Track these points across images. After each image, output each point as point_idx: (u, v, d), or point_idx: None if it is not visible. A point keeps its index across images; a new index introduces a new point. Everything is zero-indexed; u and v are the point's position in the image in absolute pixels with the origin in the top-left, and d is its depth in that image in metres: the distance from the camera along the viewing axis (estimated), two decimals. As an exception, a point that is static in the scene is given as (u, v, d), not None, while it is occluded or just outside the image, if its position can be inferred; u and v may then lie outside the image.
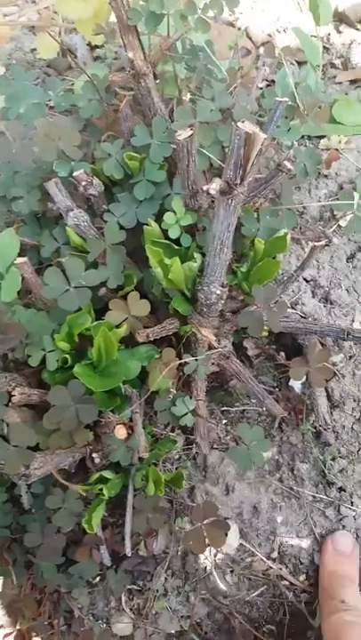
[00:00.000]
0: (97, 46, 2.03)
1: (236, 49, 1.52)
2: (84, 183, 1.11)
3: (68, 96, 1.40)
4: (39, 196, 1.21)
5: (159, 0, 1.01)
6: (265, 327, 1.10)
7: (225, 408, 1.26)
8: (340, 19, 2.05)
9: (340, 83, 1.87)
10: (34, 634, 1.12)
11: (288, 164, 1.05)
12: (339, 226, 1.34)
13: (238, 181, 0.87)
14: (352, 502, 1.14)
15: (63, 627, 1.15)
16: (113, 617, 1.15)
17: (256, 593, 1.13)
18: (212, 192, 0.87)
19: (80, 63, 2.06)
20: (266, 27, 2.08)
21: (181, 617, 1.14)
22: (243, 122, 0.83)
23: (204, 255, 1.07)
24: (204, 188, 0.88)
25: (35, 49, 2.12)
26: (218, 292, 1.06)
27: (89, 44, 2.05)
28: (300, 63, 1.86)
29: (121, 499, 1.15)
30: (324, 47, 1.99)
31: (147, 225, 1.10)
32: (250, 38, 2.05)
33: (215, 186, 0.87)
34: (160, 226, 1.09)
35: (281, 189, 1.18)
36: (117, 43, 1.99)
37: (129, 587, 1.15)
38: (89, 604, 1.15)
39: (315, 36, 1.90)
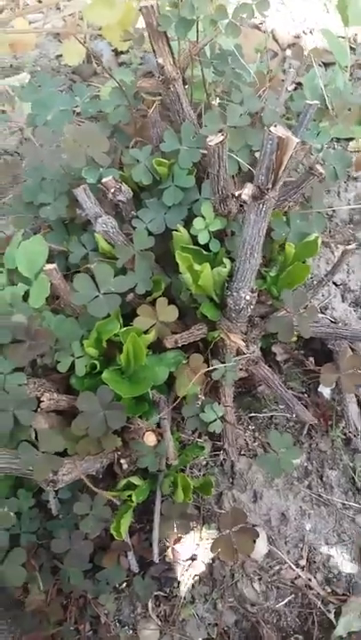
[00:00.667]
0: (122, 52, 2.04)
1: (263, 52, 1.51)
2: (112, 190, 1.12)
3: (95, 102, 1.41)
4: (67, 203, 1.21)
5: (190, 5, 1.00)
6: (294, 332, 1.09)
7: (253, 414, 1.25)
8: (368, 19, 2.02)
9: (369, 84, 1.85)
10: None
11: (320, 168, 1.04)
12: (369, 230, 1.32)
13: (270, 186, 0.86)
14: (383, 511, 1.12)
15: (89, 632, 1.15)
16: (139, 623, 1.14)
17: (284, 602, 1.11)
18: (245, 197, 0.86)
19: (106, 69, 2.08)
20: (292, 29, 2.06)
21: (208, 624, 1.13)
22: (275, 126, 0.82)
23: (232, 260, 1.06)
24: (236, 193, 0.87)
25: (60, 55, 2.14)
26: (247, 297, 1.05)
27: (114, 50, 2.07)
28: (326, 64, 1.84)
29: (148, 505, 1.16)
30: (351, 48, 1.96)
31: (175, 231, 1.09)
32: (276, 40, 2.03)
33: (247, 191, 0.86)
34: (189, 231, 1.09)
35: (311, 193, 1.17)
36: (143, 48, 2.00)
37: (156, 593, 1.15)
38: (115, 610, 1.15)
39: (342, 37, 1.88)
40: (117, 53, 2.08)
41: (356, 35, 2.02)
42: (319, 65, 1.78)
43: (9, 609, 1.14)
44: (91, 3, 1.50)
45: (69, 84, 1.98)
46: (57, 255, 1.27)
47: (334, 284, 1.28)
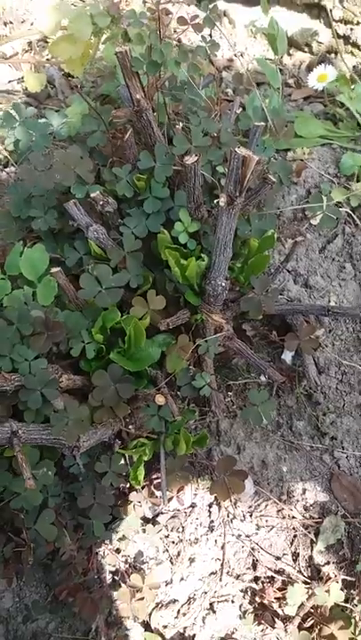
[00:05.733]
0: (71, 76, 2.24)
1: (204, 76, 1.77)
2: (101, 202, 1.33)
3: (66, 126, 1.62)
4: (56, 215, 1.41)
5: (160, 51, 1.24)
6: (261, 310, 1.34)
7: (230, 382, 1.49)
8: (290, 43, 2.33)
9: (296, 100, 2.16)
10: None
11: (272, 177, 1.30)
12: (310, 224, 1.60)
13: (238, 194, 1.11)
14: (343, 447, 1.39)
15: (110, 580, 1.35)
16: (154, 566, 1.35)
17: (273, 530, 1.36)
18: (222, 204, 1.10)
19: (59, 92, 2.28)
20: (225, 52, 2.34)
21: (212, 559, 1.36)
22: (238, 147, 1.07)
23: (209, 255, 1.30)
24: (215, 201, 1.12)
25: (12, 80, 2.32)
26: (223, 284, 1.29)
27: (65, 74, 2.27)
28: (258, 84, 2.13)
29: (150, 466, 1.37)
30: (279, 69, 2.27)
31: (157, 234, 1.32)
32: (212, 63, 2.30)
33: (223, 199, 1.10)
34: (170, 233, 1.31)
35: (265, 198, 1.43)
36: (93, 73, 2.20)
37: (165, 538, 1.36)
38: (133, 557, 1.35)
39: (270, 59, 2.18)
40: (68, 77, 2.27)
41: (281, 57, 2.33)
42: (253, 88, 2.07)
43: (37, 568, 1.32)
44: (57, 39, 1.70)
45: (40, 111, 2.15)
46: (51, 262, 1.46)
47: (287, 270, 1.55)
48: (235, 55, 2.38)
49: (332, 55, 2.30)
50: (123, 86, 1.41)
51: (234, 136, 1.58)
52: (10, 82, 2.36)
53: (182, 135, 1.37)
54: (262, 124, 1.35)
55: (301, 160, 1.72)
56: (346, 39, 2.23)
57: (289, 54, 2.35)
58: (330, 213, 1.43)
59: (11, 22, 2.50)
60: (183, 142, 1.34)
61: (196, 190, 1.24)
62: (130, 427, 1.29)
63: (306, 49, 2.34)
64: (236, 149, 1.05)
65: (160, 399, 1.18)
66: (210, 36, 2.23)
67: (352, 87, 1.88)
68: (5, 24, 2.50)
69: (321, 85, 1.73)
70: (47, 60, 2.20)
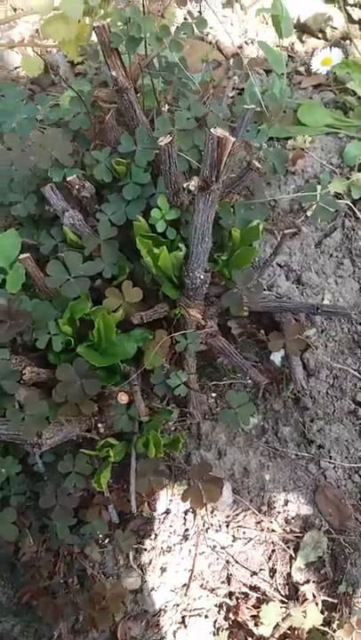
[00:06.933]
0: (78, 63, 2.18)
1: (207, 62, 1.68)
2: (77, 186, 1.26)
3: (55, 110, 1.55)
4: (35, 201, 1.35)
5: (137, 26, 1.16)
6: (245, 307, 1.25)
7: (214, 382, 1.40)
8: (303, 29, 2.22)
9: (305, 88, 2.05)
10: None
11: (257, 163, 1.20)
12: (306, 216, 1.49)
13: (214, 179, 1.02)
14: (331, 456, 1.29)
15: (77, 585, 1.28)
16: (123, 574, 1.27)
17: (250, 543, 1.26)
18: (192, 188, 1.02)
19: (63, 79, 2.22)
20: (235, 39, 2.24)
21: (184, 570, 1.27)
22: (215, 128, 0.98)
23: (188, 246, 1.21)
24: (185, 185, 1.03)
25: (18, 67, 2.27)
26: (202, 276, 1.20)
27: (70, 62, 2.21)
28: (268, 72, 2.03)
29: (124, 468, 1.29)
30: (289, 56, 2.16)
31: (136, 222, 1.24)
32: (220, 51, 2.21)
33: (194, 183, 1.02)
34: (148, 221, 1.23)
35: (253, 186, 1.33)
36: (98, 60, 2.15)
37: (135, 545, 1.28)
38: (100, 564, 1.28)
39: (279, 46, 2.08)
40: (73, 64, 2.21)
41: (293, 44, 2.22)
42: (258, 73, 1.97)
43: (4, 567, 1.26)
44: (47, 19, 1.64)
45: (31, 94, 2.11)
46: (28, 248, 1.40)
47: (279, 265, 1.45)
48: (245, 42, 2.28)
49: (347, 42, 2.18)
50: (106, 66, 1.33)
51: (227, 121, 1.49)
52: (16, 68, 2.31)
53: (166, 117, 1.29)
54: (252, 107, 1.25)
55: (301, 149, 1.61)
56: (361, 24, 2.10)
57: (301, 41, 2.24)
58: (325, 204, 1.32)
59: (21, 9, 2.46)
60: (166, 125, 1.26)
61: (172, 174, 1.15)
62: (99, 425, 1.21)
63: (319, 35, 2.23)
64: (212, 130, 0.96)
65: (123, 397, 1.10)
66: (200, 12, 2.13)
67: (364, 74, 1.76)
68: (15, 9, 2.45)
69: (325, 69, 1.62)
70: (48, 46, 2.15)
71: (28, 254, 1.18)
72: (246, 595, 1.23)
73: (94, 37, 1.83)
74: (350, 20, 2.09)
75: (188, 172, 1.37)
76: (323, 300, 1.41)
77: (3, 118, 1.46)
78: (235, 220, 1.30)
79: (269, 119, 1.43)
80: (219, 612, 1.26)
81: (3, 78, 2.25)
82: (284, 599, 1.21)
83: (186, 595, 1.24)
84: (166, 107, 1.34)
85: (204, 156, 0.99)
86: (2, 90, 1.53)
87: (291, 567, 1.24)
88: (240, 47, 2.28)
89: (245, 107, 1.26)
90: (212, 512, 1.29)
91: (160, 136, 1.19)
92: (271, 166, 1.43)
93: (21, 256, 1.18)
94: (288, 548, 1.26)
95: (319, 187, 1.38)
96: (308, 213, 1.48)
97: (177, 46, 1.24)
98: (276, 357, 1.40)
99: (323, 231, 1.49)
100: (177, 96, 1.43)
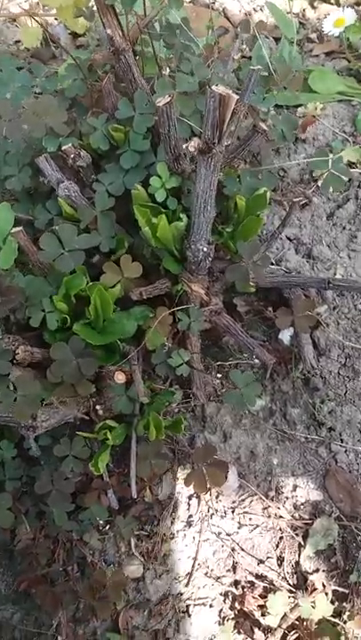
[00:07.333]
0: (79, 35, 2.10)
1: (212, 28, 1.59)
2: (72, 155, 1.19)
3: (52, 79, 1.47)
4: (30, 173, 1.28)
5: (133, -23, 1.08)
6: (252, 282, 1.18)
7: (219, 363, 1.33)
8: (315, -7, 2.11)
9: (317, 55, 1.94)
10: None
11: (263, 125, 1.12)
12: (317, 186, 1.41)
13: (216, 141, 0.94)
14: (342, 440, 1.22)
15: (77, 573, 1.23)
16: (124, 561, 1.22)
17: (257, 530, 1.20)
18: (192, 149, 0.94)
19: (63, 48, 2.14)
20: (243, 6, 2.14)
21: (188, 557, 1.22)
22: (217, 85, 0.90)
23: (190, 217, 1.14)
24: (184, 146, 0.95)
25: (18, 41, 2.19)
26: (205, 249, 1.13)
27: (71, 34, 2.13)
28: (277, 40, 1.93)
29: (125, 451, 1.23)
30: (301, 22, 2.05)
31: (134, 190, 1.17)
32: (228, 18, 2.11)
33: (194, 144, 0.94)
34: (147, 192, 1.16)
35: (260, 152, 1.25)
36: (100, 31, 2.06)
37: (137, 532, 1.23)
38: (100, 551, 1.23)
39: (290, 12, 1.97)
40: (75, 37, 2.13)
41: (304, 10, 2.11)
42: (267, 37, 1.87)
43: (1, 554, 1.22)
44: (44, -15, 1.56)
45: (29, 67, 2.03)
46: (25, 224, 1.33)
47: (288, 238, 1.37)
48: (253, 9, 2.18)
49: (361, 7, 2.07)
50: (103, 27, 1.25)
51: (234, 87, 1.40)
52: (16, 42, 2.23)
53: (167, 80, 1.21)
54: (259, 67, 1.16)
55: (313, 116, 1.52)
56: (376, -14, 1.99)
57: (313, 7, 2.13)
58: (337, 173, 1.24)
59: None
60: (166, 87, 1.18)
61: (172, 139, 1.08)
62: (98, 407, 1.16)
63: (332, 0, 2.12)
64: (213, 87, 0.89)
65: (120, 377, 1.04)
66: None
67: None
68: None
69: (338, 31, 1.53)
70: (47, 15, 2.07)
71: (20, 228, 1.12)
72: (253, 584, 1.17)
73: (93, 3, 1.75)
74: (365, -19, 1.98)
75: (190, 138, 1.28)
76: (335, 274, 1.33)
77: (-4, 88, 1.39)
78: (240, 189, 1.22)
79: (278, 83, 1.34)
80: (224, 601, 1.20)
81: (2, 52, 2.17)
82: (292, 589, 1.15)
83: (190, 583, 1.19)
84: (168, 71, 1.26)
85: (204, 115, 0.92)
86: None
87: (299, 555, 1.18)
88: (248, 14, 2.17)
89: (252, 67, 1.18)
90: (216, 497, 1.23)
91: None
92: (280, 133, 1.34)
93: (14, 230, 1.11)
94: (297, 535, 1.19)
95: (331, 155, 1.30)
96: (320, 183, 1.40)
97: (177, 3, 1.15)
98: (285, 336, 1.32)
99: (335, 202, 1.41)
100: (180, 61, 1.35)
